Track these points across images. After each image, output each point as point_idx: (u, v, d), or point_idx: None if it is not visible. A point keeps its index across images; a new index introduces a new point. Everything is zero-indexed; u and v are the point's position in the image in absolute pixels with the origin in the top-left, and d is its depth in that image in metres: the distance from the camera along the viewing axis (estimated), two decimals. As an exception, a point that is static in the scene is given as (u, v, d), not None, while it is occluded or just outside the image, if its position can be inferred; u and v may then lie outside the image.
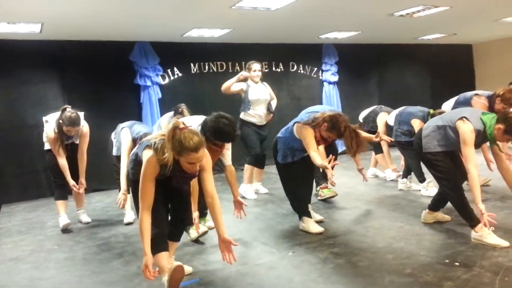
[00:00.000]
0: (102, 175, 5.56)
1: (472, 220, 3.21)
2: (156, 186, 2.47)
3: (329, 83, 7.93)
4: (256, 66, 5.00)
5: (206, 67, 7.02)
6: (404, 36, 7.77)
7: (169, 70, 6.62)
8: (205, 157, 2.53)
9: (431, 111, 4.41)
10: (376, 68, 8.59)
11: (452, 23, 6.73)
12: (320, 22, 6.03)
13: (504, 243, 3.03)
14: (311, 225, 3.66)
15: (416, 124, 4.34)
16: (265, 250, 3.32)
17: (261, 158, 5.09)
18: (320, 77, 8.04)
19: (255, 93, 4.96)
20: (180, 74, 6.73)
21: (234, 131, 3.18)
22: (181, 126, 2.43)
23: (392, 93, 8.31)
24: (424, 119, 4.25)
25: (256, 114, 4.99)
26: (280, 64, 7.59)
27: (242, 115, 5.02)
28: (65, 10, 4.44)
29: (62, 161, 4.12)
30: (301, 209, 3.78)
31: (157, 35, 6.05)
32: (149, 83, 6.29)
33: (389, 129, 5.01)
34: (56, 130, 4.06)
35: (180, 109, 4.77)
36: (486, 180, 4.78)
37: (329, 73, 7.91)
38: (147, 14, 4.92)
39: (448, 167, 3.32)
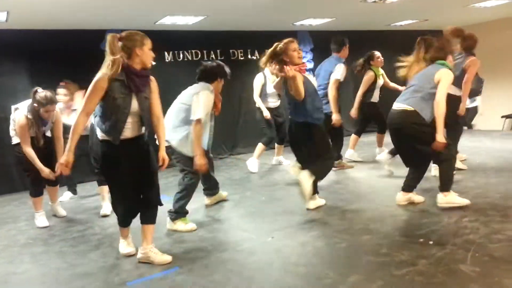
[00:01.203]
0: (76, 167, 5.42)
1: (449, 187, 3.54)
2: (127, 172, 2.82)
3: (305, 69, 7.94)
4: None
5: (181, 55, 6.92)
6: (377, 23, 7.85)
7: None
8: (154, 82, 2.92)
9: None
10: (350, 54, 8.61)
11: (423, 9, 6.83)
12: (294, 8, 6.01)
13: (466, 201, 3.51)
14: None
15: None
16: (244, 236, 3.33)
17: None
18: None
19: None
20: (153, 63, 6.59)
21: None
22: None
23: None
24: None
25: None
26: (256, 52, 7.55)
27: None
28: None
29: (28, 149, 3.77)
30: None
31: (128, 23, 5.89)
32: (121, 72, 6.15)
33: None
34: (29, 116, 3.79)
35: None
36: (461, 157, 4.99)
37: (305, 60, 7.93)
38: (117, 2, 4.79)
39: None
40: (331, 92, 4.97)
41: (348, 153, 5.83)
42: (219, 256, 2.95)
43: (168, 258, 2.95)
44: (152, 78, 2.91)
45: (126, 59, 2.70)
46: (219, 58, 7.26)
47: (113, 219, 4.05)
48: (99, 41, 6.14)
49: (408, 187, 3.75)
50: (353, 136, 5.96)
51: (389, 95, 5.41)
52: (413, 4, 6.24)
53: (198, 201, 4.48)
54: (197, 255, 3.01)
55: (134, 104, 2.76)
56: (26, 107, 3.86)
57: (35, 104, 3.79)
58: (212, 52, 7.17)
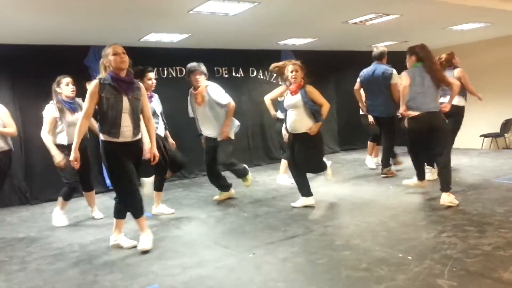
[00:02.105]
0: (58, 184, 5.36)
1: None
2: (129, 165, 3.33)
3: (289, 88, 8.06)
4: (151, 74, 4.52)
5: (165, 72, 6.96)
6: (358, 43, 8.05)
7: (126, 76, 6.50)
8: (143, 88, 3.43)
9: None
10: (333, 74, 8.83)
11: (403, 31, 7.04)
12: (277, 28, 6.14)
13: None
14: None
15: None
16: (225, 253, 3.32)
17: None
18: (280, 83, 8.15)
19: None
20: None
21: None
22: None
23: (349, 98, 8.53)
24: None
25: None
26: (240, 70, 7.65)
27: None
28: (14, 14, 4.28)
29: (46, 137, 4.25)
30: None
31: (112, 39, 5.84)
32: (105, 89, 6.14)
33: None
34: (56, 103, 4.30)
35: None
36: None
37: (288, 79, 8.04)
38: (101, 19, 4.83)
39: None
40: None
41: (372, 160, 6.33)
42: (199, 273, 2.93)
43: (133, 242, 3.54)
44: (140, 84, 3.44)
45: (110, 69, 3.27)
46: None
47: (93, 236, 4.01)
48: (83, 57, 6.16)
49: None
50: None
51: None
52: (393, 26, 6.44)
53: (180, 217, 4.46)
54: (177, 272, 2.98)
55: (126, 103, 3.25)
56: (50, 106, 4.33)
57: (56, 87, 4.34)
58: (196, 70, 7.22)
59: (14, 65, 5.73)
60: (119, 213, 3.55)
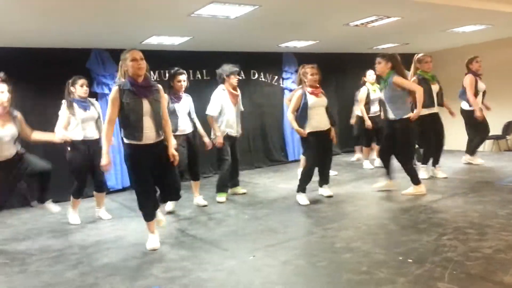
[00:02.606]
0: (57, 186, 5.36)
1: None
2: (148, 170, 3.42)
3: (290, 90, 8.06)
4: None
5: (166, 74, 6.95)
6: (360, 46, 8.05)
7: (128, 78, 6.52)
8: (161, 91, 3.49)
9: None
10: (334, 76, 8.82)
11: (404, 33, 7.04)
12: (278, 31, 6.15)
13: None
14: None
15: None
16: (225, 255, 3.31)
17: None
18: (281, 85, 8.18)
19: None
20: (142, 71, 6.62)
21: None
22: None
23: (350, 100, 8.54)
24: None
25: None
26: (242, 72, 7.65)
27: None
28: (18, 18, 4.30)
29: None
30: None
31: (114, 42, 5.95)
32: (106, 91, 6.15)
33: None
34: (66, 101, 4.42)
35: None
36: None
37: (290, 81, 8.06)
38: (103, 22, 4.84)
39: None
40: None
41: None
42: (199, 276, 2.93)
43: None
44: (159, 86, 3.50)
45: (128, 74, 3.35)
46: (205, 77, 7.35)
47: (93, 238, 4.01)
48: (85, 60, 6.18)
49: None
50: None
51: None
52: (394, 28, 6.44)
53: (180, 219, 4.46)
54: (177, 275, 2.97)
55: (146, 107, 3.33)
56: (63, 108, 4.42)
57: (71, 88, 4.46)
58: (198, 72, 7.26)
59: (15, 68, 5.71)
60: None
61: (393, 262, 2.89)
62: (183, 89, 4.80)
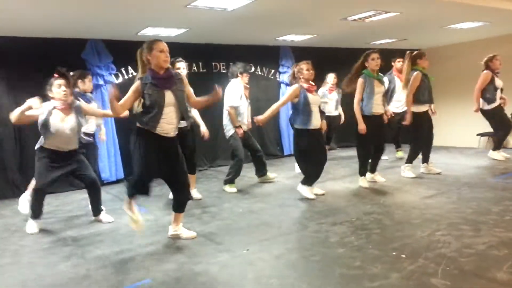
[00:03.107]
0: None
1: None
2: (155, 161, 3.26)
3: (286, 84, 8.02)
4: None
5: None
6: (357, 41, 8.01)
7: (123, 69, 6.46)
8: (184, 78, 3.44)
9: None
10: (331, 71, 8.75)
11: (402, 29, 7.01)
12: (276, 24, 6.10)
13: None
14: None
15: None
16: (219, 249, 3.30)
17: None
18: (278, 79, 8.15)
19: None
20: (134, 73, 6.58)
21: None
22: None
23: (346, 95, 8.51)
24: None
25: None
26: (231, 65, 7.59)
27: None
28: (12, 5, 4.24)
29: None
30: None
31: (110, 33, 5.89)
32: (101, 82, 6.10)
33: None
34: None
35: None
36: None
37: (286, 75, 8.00)
38: (99, 12, 4.78)
39: None
40: None
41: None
42: (192, 269, 2.92)
43: (193, 233, 3.59)
44: (182, 75, 3.49)
45: (149, 66, 3.23)
46: (201, 70, 7.30)
47: (86, 230, 3.99)
48: (80, 50, 6.12)
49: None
50: None
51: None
52: (392, 24, 6.41)
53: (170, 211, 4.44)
54: (170, 267, 2.96)
55: (169, 97, 3.22)
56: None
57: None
58: (194, 64, 7.20)
59: (9, 58, 5.67)
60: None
61: (387, 257, 2.89)
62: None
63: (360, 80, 4.91)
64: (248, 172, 6.08)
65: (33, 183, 4.21)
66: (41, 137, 3.92)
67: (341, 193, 4.89)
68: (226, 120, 5.40)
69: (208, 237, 3.59)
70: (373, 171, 5.25)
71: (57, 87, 3.82)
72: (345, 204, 4.38)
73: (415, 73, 5.25)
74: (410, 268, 2.69)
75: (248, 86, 5.55)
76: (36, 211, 4.00)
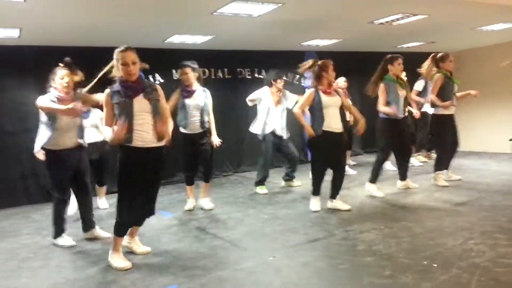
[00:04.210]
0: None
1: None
2: (139, 177, 3.07)
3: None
4: None
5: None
6: (384, 44, 7.88)
7: (150, 76, 6.56)
8: (159, 90, 3.22)
9: None
10: (357, 75, 8.62)
11: (430, 32, 6.85)
12: (301, 29, 6.07)
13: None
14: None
15: None
16: (245, 255, 3.28)
17: None
18: (302, 84, 8.10)
19: None
20: (161, 80, 6.69)
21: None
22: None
23: (372, 100, 8.39)
24: None
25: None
26: (263, 71, 7.61)
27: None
28: (44, 16, 4.38)
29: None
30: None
31: (137, 41, 5.97)
32: (129, 89, 6.21)
33: None
34: None
35: None
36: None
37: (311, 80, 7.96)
38: (126, 21, 4.88)
39: None
40: None
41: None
42: (218, 275, 2.91)
43: (148, 248, 3.46)
44: (156, 86, 3.27)
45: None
46: (226, 76, 7.33)
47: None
48: (108, 59, 6.23)
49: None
50: None
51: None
52: (420, 27, 6.27)
53: (200, 218, 4.45)
54: (196, 273, 2.96)
55: (137, 106, 3.05)
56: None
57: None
58: (219, 71, 7.25)
59: (40, 66, 5.83)
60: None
61: (418, 266, 2.80)
62: (191, 81, 4.62)
63: (382, 86, 4.83)
64: (274, 178, 6.05)
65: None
66: (39, 138, 3.79)
67: (368, 199, 4.79)
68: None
69: (234, 243, 3.57)
70: (403, 178, 5.11)
71: (60, 78, 3.69)
72: (372, 211, 4.29)
73: (438, 75, 5.12)
74: (443, 278, 2.60)
75: (281, 92, 5.66)
76: (62, 225, 3.78)
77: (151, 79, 6.60)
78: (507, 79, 5.96)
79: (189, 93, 4.61)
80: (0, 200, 5.61)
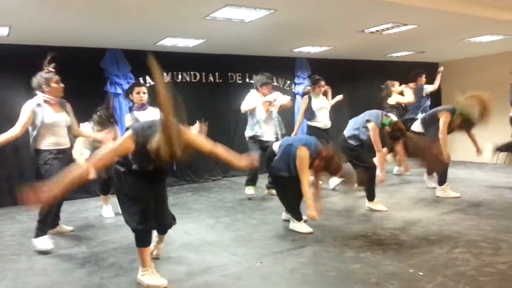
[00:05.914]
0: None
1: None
2: (147, 188, 2.84)
3: (302, 95, 8.02)
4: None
5: (179, 76, 6.98)
6: (374, 53, 7.99)
7: (140, 79, 6.53)
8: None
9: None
10: (347, 83, 8.72)
11: (419, 42, 6.96)
12: (293, 36, 6.12)
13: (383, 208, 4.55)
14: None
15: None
16: (233, 260, 3.28)
17: None
18: (293, 90, 8.14)
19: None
20: (152, 83, 6.66)
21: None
22: None
23: (362, 107, 8.42)
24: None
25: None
26: (254, 76, 7.62)
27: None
28: (34, 15, 4.34)
29: None
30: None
31: (129, 43, 5.98)
32: (119, 91, 6.19)
33: None
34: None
35: None
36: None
37: (302, 86, 8.01)
38: (118, 23, 4.87)
39: None
40: None
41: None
42: (205, 280, 2.90)
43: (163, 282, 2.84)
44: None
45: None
46: (217, 80, 7.34)
47: (100, 237, 4.01)
48: (99, 59, 6.22)
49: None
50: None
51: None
52: (409, 36, 6.37)
53: (188, 222, 4.44)
54: (184, 278, 2.94)
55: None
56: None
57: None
58: (210, 75, 7.25)
59: (29, 66, 5.76)
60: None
61: (404, 274, 2.83)
62: (144, 102, 4.46)
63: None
64: (262, 183, 6.06)
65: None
66: (33, 139, 3.80)
67: (356, 207, 4.82)
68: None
69: (222, 248, 3.56)
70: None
71: (56, 83, 3.89)
72: (360, 219, 4.32)
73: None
74: (428, 286, 2.63)
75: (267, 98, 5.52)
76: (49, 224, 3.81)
77: (141, 81, 6.57)
78: (495, 91, 6.07)
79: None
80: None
